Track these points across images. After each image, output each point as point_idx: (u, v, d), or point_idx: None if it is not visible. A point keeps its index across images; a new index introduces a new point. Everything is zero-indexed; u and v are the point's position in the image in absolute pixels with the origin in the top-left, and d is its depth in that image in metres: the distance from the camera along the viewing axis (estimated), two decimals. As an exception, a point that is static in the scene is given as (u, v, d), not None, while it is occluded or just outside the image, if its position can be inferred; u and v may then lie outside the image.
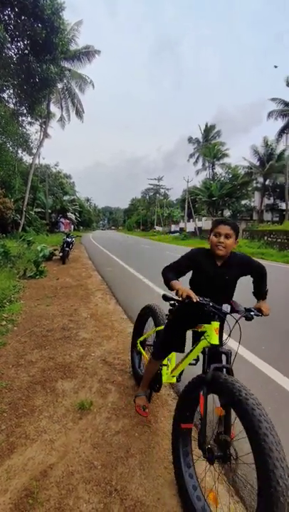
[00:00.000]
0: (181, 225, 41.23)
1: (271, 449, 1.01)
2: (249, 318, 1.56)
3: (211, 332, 1.55)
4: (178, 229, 44.11)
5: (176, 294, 1.60)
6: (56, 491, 1.54)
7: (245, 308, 1.62)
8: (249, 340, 3.41)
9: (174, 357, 2.08)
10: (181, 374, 1.98)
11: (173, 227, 49.19)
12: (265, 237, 19.22)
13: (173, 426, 1.66)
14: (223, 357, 1.55)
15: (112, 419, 2.14)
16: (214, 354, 1.54)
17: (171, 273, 1.77)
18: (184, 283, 1.70)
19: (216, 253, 1.70)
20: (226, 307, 1.57)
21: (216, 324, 1.55)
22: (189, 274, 1.87)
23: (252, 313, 1.59)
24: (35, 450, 1.81)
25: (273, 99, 22.51)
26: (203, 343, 1.59)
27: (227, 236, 1.67)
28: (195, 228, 32.31)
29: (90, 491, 1.55)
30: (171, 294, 2.05)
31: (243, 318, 1.56)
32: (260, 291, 1.86)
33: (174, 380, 1.99)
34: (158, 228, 54.40)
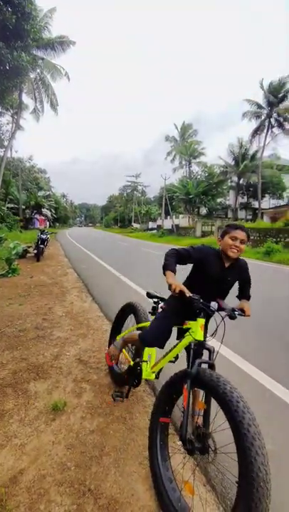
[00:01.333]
0: (159, 222, 41.52)
1: (254, 438, 1.08)
2: (233, 317, 1.63)
3: (197, 328, 1.58)
4: (155, 226, 44.38)
5: (169, 288, 1.60)
6: (27, 497, 1.48)
7: (233, 308, 1.68)
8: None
9: (154, 353, 2.08)
10: (160, 371, 2.00)
11: (150, 225, 49.40)
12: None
13: (151, 420, 1.68)
14: (206, 353, 1.60)
15: (86, 419, 2.10)
16: (198, 350, 1.59)
17: (173, 259, 1.77)
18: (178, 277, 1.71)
19: (229, 255, 1.76)
20: (214, 305, 1.61)
21: (201, 321, 1.59)
22: (184, 271, 1.92)
23: (236, 312, 1.66)
24: (4, 456, 1.73)
25: (248, 101, 23.25)
26: (188, 339, 1.62)
27: (242, 242, 1.75)
28: (172, 226, 32.69)
29: (63, 493, 1.51)
30: (156, 293, 2.22)
31: (228, 316, 1.63)
32: (245, 294, 2.00)
33: (154, 376, 1.99)
34: (136, 225, 54.39)
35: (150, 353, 2.06)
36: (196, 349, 1.58)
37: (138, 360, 2.08)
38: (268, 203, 31.93)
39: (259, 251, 15.60)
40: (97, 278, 7.36)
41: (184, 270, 1.90)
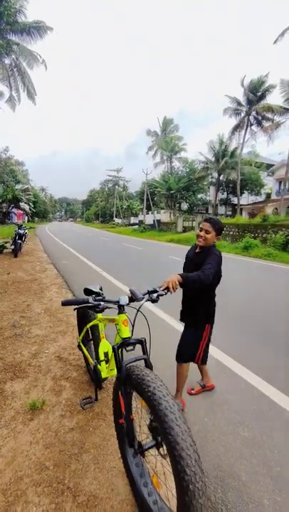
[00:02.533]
0: (141, 217, 41.43)
1: (177, 441, 1.01)
2: (154, 300, 1.56)
3: (120, 325, 1.51)
4: (137, 221, 44.27)
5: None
6: (2, 499, 1.44)
7: (148, 290, 1.60)
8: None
9: (111, 351, 1.99)
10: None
11: (132, 220, 49.20)
12: (219, 230, 20.31)
13: (114, 422, 1.63)
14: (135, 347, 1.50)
15: (66, 417, 2.07)
16: (129, 345, 1.48)
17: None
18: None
19: (197, 243, 2.18)
20: (123, 299, 1.53)
21: (123, 316, 1.52)
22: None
23: (155, 294, 1.58)
24: (-21, 459, 1.67)
25: (228, 97, 23.53)
26: (117, 339, 1.54)
27: (207, 232, 2.07)
28: (154, 221, 32.75)
29: (41, 493, 1.49)
30: (92, 287, 2.11)
31: (150, 302, 1.56)
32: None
33: (115, 372, 1.80)
34: (117, 220, 53.94)
35: (106, 351, 1.99)
36: (127, 346, 1.48)
37: (95, 361, 2.02)
38: (246, 199, 32.83)
39: (238, 246, 16.04)
40: (78, 274, 7.24)
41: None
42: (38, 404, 2.16)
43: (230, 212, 33.12)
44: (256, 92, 22.42)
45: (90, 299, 1.55)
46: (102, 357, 1.98)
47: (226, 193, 32.35)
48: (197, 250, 2.19)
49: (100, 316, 2.01)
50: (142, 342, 1.47)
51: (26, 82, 20.64)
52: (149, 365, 1.42)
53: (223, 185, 30.86)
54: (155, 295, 1.58)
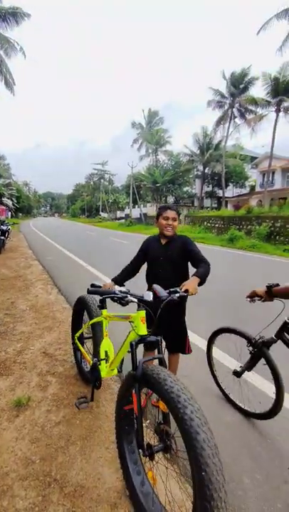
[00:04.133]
0: (127, 211, 41.21)
1: (203, 448, 0.98)
2: (175, 301, 1.51)
3: (138, 322, 1.48)
4: (124, 215, 44.02)
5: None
6: (-12, 495, 1.44)
7: (170, 290, 1.55)
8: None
9: (111, 349, 1.97)
10: (122, 364, 1.85)
11: (118, 214, 48.90)
12: (205, 223, 20.56)
13: (116, 418, 1.60)
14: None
15: (52, 411, 2.08)
16: (147, 344, 1.50)
17: (124, 271, 2.21)
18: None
19: (165, 234, 2.03)
20: (148, 295, 1.49)
21: (141, 313, 1.49)
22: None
23: (176, 295, 1.52)
24: None
25: (211, 89, 23.51)
26: (132, 336, 1.53)
27: (174, 219, 2.02)
28: (140, 214, 32.68)
29: (27, 486, 1.50)
30: (99, 283, 2.01)
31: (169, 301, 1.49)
32: (197, 270, 1.84)
33: (115, 372, 1.89)
34: (103, 215, 53.41)
35: (106, 350, 1.94)
36: (143, 344, 1.49)
37: (95, 360, 1.93)
38: (231, 191, 33.24)
39: (223, 238, 16.30)
40: (64, 269, 7.16)
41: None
42: (24, 400, 2.15)
43: (215, 205, 33.50)
44: (239, 84, 22.53)
45: (117, 290, 1.54)
46: (102, 355, 1.90)
47: (211, 185, 32.62)
48: (164, 242, 2.06)
49: (105, 312, 1.96)
50: (158, 341, 1.45)
51: (4, 71, 19.79)
52: (164, 364, 1.41)
53: (208, 178, 31.08)
54: (177, 295, 1.53)
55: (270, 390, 2.03)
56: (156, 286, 1.51)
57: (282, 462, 1.71)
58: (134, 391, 1.36)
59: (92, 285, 1.97)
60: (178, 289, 1.58)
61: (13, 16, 17.61)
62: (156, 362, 1.49)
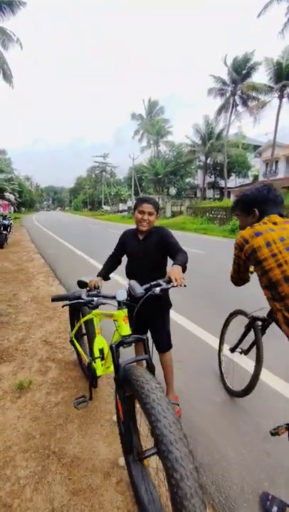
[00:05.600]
0: (129, 203, 41.10)
1: (171, 442, 0.91)
2: (158, 296, 1.39)
3: (120, 322, 1.38)
4: (126, 208, 43.92)
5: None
6: (-8, 466, 1.58)
7: (151, 284, 1.43)
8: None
9: (106, 346, 1.90)
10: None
11: (121, 206, 48.79)
12: (207, 214, 20.47)
13: (118, 424, 1.51)
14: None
15: (51, 394, 2.21)
16: (129, 344, 1.38)
17: (107, 264, 2.15)
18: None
19: (140, 229, 1.90)
20: (121, 294, 1.40)
21: (123, 312, 1.38)
22: None
23: (157, 289, 1.39)
24: None
25: (213, 76, 23.01)
26: (116, 336, 1.44)
27: (150, 214, 1.86)
28: (143, 206, 32.55)
29: (28, 458, 1.63)
30: (87, 279, 1.96)
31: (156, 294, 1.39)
32: (176, 260, 1.68)
33: (112, 369, 1.69)
34: (106, 207, 53.32)
35: (101, 347, 1.88)
36: (128, 344, 1.38)
37: (90, 359, 1.89)
38: (234, 181, 32.86)
39: (225, 229, 16.27)
40: (65, 262, 7.28)
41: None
42: (25, 384, 2.28)
43: (218, 196, 33.19)
44: (241, 70, 21.98)
45: (83, 294, 1.43)
46: (97, 354, 1.84)
47: (213, 176, 32.26)
48: (141, 237, 1.94)
49: (94, 310, 1.82)
50: (143, 340, 1.34)
51: (1, 63, 19.59)
52: (151, 366, 1.30)
53: (210, 169, 30.72)
54: (158, 289, 1.39)
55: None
56: (131, 283, 1.40)
57: (267, 438, 1.81)
58: (117, 396, 1.31)
59: (79, 282, 1.96)
60: (161, 281, 1.45)
61: (8, 5, 17.31)
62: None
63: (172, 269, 1.53)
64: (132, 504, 1.38)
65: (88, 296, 1.45)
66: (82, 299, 1.44)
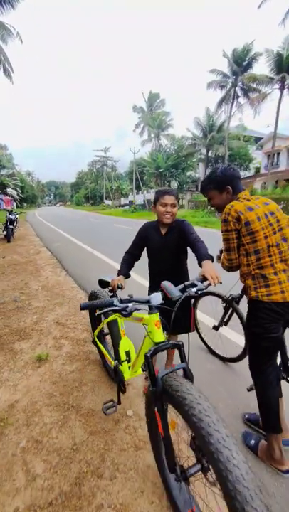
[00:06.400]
0: (131, 197, 41.19)
1: (228, 469, 0.80)
2: (193, 297, 1.32)
3: (152, 327, 1.27)
4: (127, 202, 44.02)
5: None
6: (23, 415, 1.91)
7: (185, 284, 1.35)
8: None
9: (132, 348, 1.84)
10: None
11: (122, 201, 48.89)
12: (208, 207, 20.65)
13: (150, 441, 1.43)
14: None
15: (66, 364, 2.54)
16: (161, 351, 1.26)
17: (125, 261, 1.99)
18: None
19: (164, 222, 1.85)
20: (156, 298, 1.29)
21: (155, 317, 1.28)
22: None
23: (193, 289, 1.30)
24: (1, 393, 2.14)
25: (212, 71, 22.86)
26: (147, 342, 1.36)
27: (173, 205, 1.82)
28: (144, 200, 32.73)
29: (52, 410, 1.96)
30: (108, 278, 1.93)
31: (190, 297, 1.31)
32: (202, 254, 1.64)
33: (140, 372, 1.67)
34: (107, 202, 53.46)
35: (127, 349, 1.81)
36: (163, 350, 1.25)
37: (116, 362, 1.79)
38: (235, 174, 32.73)
39: (226, 221, 16.45)
40: (71, 254, 7.59)
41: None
42: (43, 356, 2.61)
43: (219, 189, 33.14)
44: (242, 61, 21.82)
45: (115, 301, 1.29)
46: (123, 357, 1.76)
47: (214, 169, 32.19)
48: (164, 231, 1.90)
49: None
50: (179, 347, 1.23)
51: (2, 58, 19.62)
52: (189, 374, 1.20)
53: (212, 162, 30.70)
54: (194, 290, 1.31)
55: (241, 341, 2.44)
56: (165, 284, 1.30)
57: (251, 394, 2.13)
58: (156, 409, 1.19)
59: (100, 281, 1.95)
60: (195, 281, 1.37)
61: (8, -1, 17.26)
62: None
63: (205, 266, 1.51)
64: (138, 440, 1.71)
65: (121, 302, 1.29)
66: (115, 305, 1.27)
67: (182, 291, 1.32)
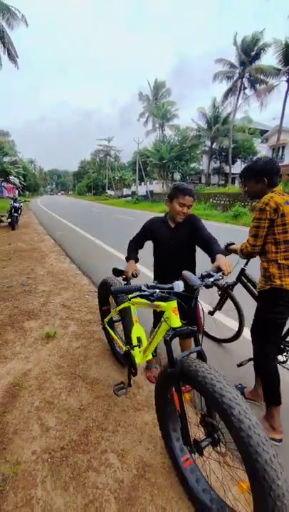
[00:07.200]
0: (133, 188, 41.06)
1: (249, 435, 0.93)
2: (209, 286, 1.39)
3: (170, 313, 1.35)
4: (130, 193, 43.87)
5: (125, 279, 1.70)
6: (35, 382, 2.16)
7: (201, 274, 1.44)
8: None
9: (143, 335, 1.92)
10: (156, 349, 1.84)
11: (125, 191, 48.66)
12: (211, 200, 20.69)
13: (158, 420, 1.56)
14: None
15: (73, 341, 2.78)
16: (180, 336, 1.44)
17: (132, 247, 2.03)
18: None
19: (178, 221, 1.88)
20: (178, 285, 1.36)
21: (172, 303, 1.36)
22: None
23: (210, 279, 1.40)
24: (15, 363, 2.39)
25: (219, 60, 22.44)
26: (163, 327, 1.43)
27: (189, 206, 1.84)
28: (146, 191, 32.66)
29: (60, 378, 2.21)
30: (122, 267, 2.00)
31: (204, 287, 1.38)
32: (214, 249, 1.74)
33: (150, 356, 1.81)
34: (110, 192, 53.25)
35: (139, 335, 1.90)
36: (179, 336, 1.38)
37: (128, 347, 1.89)
38: (239, 167, 32.56)
39: (228, 215, 16.57)
40: (74, 243, 7.80)
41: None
42: (51, 333, 2.86)
43: (223, 182, 33.05)
44: (250, 51, 21.40)
45: (143, 286, 1.37)
46: (135, 342, 1.85)
47: (218, 161, 32.02)
48: (173, 225, 1.94)
49: (135, 299, 1.68)
50: (194, 332, 1.35)
51: (6, 43, 19.33)
52: (203, 357, 1.32)
53: (216, 154, 30.49)
54: (211, 279, 1.40)
55: (234, 325, 2.67)
56: (186, 273, 1.39)
57: (240, 369, 2.37)
58: (174, 389, 1.30)
59: (114, 270, 1.99)
60: (211, 272, 1.46)
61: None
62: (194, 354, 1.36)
63: (220, 258, 1.61)
64: (137, 403, 1.95)
65: (148, 288, 1.37)
66: (144, 290, 1.36)
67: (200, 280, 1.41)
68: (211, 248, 1.76)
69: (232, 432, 0.97)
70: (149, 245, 2.13)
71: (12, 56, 20.15)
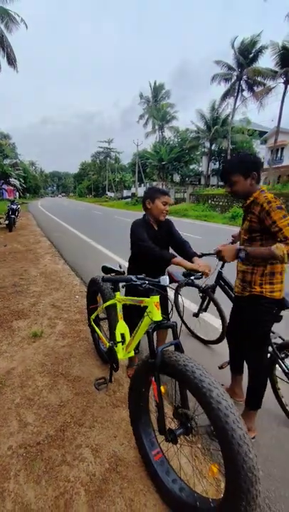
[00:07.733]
0: (133, 190, 41.15)
1: (233, 428, 1.01)
2: (190, 284, 1.57)
3: (152, 307, 1.43)
4: (130, 194, 43.99)
5: (195, 271, 1.72)
6: (18, 380, 2.20)
7: (183, 273, 1.62)
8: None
9: (126, 331, 1.94)
10: (138, 346, 1.86)
11: (125, 193, 48.78)
12: (209, 201, 20.73)
13: (129, 408, 1.60)
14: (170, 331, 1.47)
15: (59, 340, 2.82)
16: (160, 329, 1.47)
17: (156, 247, 1.89)
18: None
19: (161, 219, 2.00)
20: (164, 279, 1.45)
21: (155, 298, 1.44)
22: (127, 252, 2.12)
23: (192, 277, 1.58)
24: (-1, 362, 2.42)
25: (218, 62, 22.56)
26: (146, 321, 1.50)
27: (170, 205, 2.01)
28: (146, 193, 32.74)
29: (43, 376, 2.25)
30: (111, 265, 2.03)
31: (186, 284, 1.55)
32: (188, 252, 1.93)
33: (132, 353, 1.84)
34: (110, 194, 53.40)
35: (123, 332, 1.92)
36: (158, 329, 1.45)
37: (111, 343, 1.93)
38: (238, 168, 32.54)
39: (226, 216, 16.60)
40: (70, 244, 7.85)
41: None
42: (38, 333, 2.89)
43: (222, 183, 33.07)
44: (248, 54, 21.51)
45: (133, 277, 1.46)
46: (118, 338, 1.89)
47: (218, 163, 32.08)
48: (156, 227, 2.05)
49: (118, 295, 1.92)
50: (173, 326, 1.41)
51: (5, 46, 19.50)
52: (181, 349, 1.37)
53: (215, 155, 30.55)
54: (192, 277, 1.59)
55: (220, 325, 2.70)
56: (172, 270, 1.55)
57: (221, 371, 2.40)
58: (153, 379, 1.35)
59: (104, 267, 2.00)
60: (191, 272, 1.65)
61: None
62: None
63: (198, 260, 1.78)
64: (116, 400, 1.99)
65: (138, 278, 1.48)
66: (134, 280, 1.46)
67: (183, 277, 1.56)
68: (186, 250, 1.95)
69: (210, 412, 1.05)
70: (126, 239, 2.11)
71: (11, 60, 20.31)
